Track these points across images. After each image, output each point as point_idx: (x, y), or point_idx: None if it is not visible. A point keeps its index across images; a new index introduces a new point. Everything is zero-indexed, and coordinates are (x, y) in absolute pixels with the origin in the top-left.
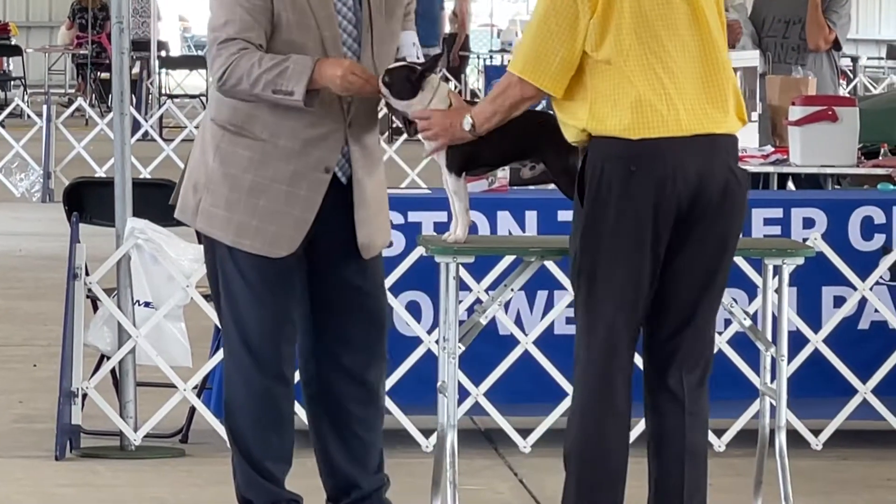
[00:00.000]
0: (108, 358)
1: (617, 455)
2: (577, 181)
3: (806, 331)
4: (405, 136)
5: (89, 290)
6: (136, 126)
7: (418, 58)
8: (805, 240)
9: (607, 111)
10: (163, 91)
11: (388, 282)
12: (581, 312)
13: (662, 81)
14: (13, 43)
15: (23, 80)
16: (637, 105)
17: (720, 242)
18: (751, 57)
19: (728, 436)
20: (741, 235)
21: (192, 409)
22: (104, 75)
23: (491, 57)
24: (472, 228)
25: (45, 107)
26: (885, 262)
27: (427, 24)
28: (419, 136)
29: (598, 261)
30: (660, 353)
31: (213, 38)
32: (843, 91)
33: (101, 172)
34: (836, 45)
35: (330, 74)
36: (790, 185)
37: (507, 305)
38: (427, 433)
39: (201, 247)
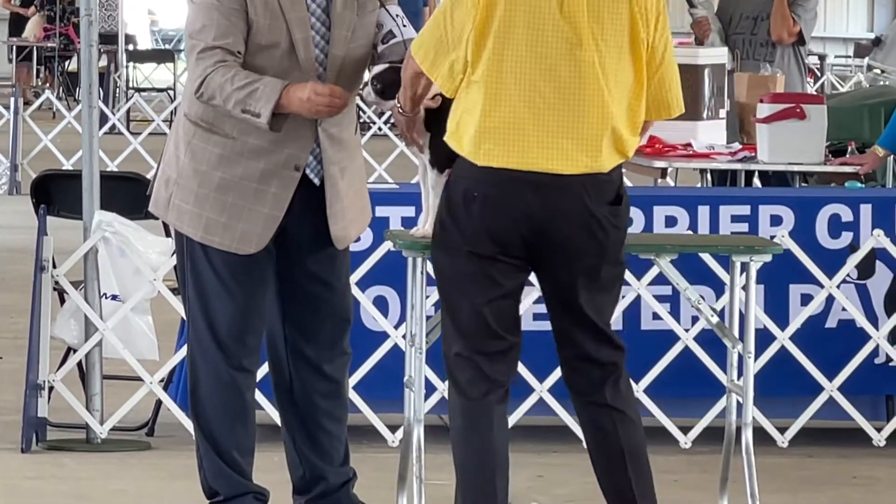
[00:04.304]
0: (75, 351)
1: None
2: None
3: (773, 328)
4: (373, 131)
5: (56, 282)
6: (103, 119)
7: (404, 26)
8: (772, 237)
9: (464, 130)
10: (130, 84)
11: (356, 276)
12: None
13: (521, 113)
14: None
15: None
16: (486, 131)
17: (586, 274)
18: (719, 54)
19: (694, 433)
20: (708, 232)
21: (159, 402)
22: (71, 68)
23: None
24: None
25: (12, 99)
26: (852, 261)
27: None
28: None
29: (444, 268)
30: (570, 365)
31: (192, 46)
32: (811, 89)
33: (68, 165)
34: (801, 40)
35: (297, 99)
36: (756, 181)
37: None
38: (393, 428)
39: (169, 240)
